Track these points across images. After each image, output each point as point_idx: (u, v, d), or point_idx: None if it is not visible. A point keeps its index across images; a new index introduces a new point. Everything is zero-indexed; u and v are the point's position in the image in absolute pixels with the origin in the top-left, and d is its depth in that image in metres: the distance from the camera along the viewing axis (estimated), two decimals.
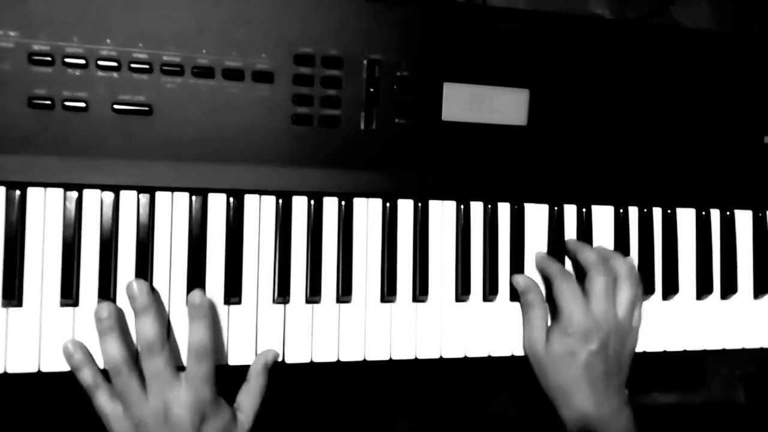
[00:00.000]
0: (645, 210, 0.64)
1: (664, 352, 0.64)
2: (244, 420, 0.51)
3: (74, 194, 0.51)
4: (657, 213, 0.65)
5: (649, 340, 0.63)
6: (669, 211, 0.65)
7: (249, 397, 0.52)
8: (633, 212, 0.64)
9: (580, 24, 0.61)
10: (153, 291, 0.52)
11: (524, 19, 0.59)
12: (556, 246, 0.62)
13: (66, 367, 0.50)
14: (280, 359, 0.55)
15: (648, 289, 0.63)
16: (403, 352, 0.58)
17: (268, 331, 0.55)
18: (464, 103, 0.58)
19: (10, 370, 0.50)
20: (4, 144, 0.49)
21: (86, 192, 0.52)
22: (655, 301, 0.64)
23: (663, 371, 0.83)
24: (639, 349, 0.63)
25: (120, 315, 0.51)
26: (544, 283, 0.61)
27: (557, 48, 0.60)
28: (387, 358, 0.57)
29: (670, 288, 0.64)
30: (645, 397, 0.81)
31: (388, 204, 0.58)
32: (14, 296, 0.50)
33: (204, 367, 0.50)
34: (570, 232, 0.62)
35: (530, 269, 0.61)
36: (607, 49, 0.61)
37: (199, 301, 0.50)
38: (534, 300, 0.59)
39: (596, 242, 0.63)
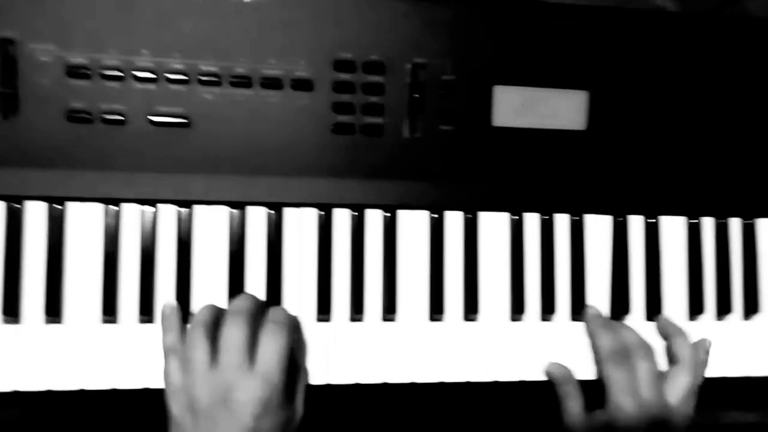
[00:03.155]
0: (721, 221, 0.59)
1: (746, 377, 0.58)
2: (298, 411, 0.50)
3: (114, 209, 0.51)
4: (735, 224, 0.59)
5: (729, 364, 0.58)
6: (748, 221, 0.59)
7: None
8: (707, 223, 0.59)
9: (642, 18, 0.56)
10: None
11: (580, 15, 0.55)
12: (620, 260, 0.57)
13: (108, 386, 0.50)
14: (324, 381, 0.52)
15: (725, 309, 0.58)
16: (454, 374, 0.54)
17: (311, 350, 0.53)
18: (516, 107, 0.54)
19: (53, 388, 0.49)
20: (43, 158, 0.49)
21: (126, 207, 0.51)
22: (734, 322, 0.59)
23: (742, 389, 0.77)
24: (718, 374, 0.58)
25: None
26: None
27: (617, 45, 0.55)
28: (437, 380, 0.54)
29: (751, 307, 0.59)
30: (724, 416, 0.76)
31: (434, 216, 0.55)
32: (56, 313, 0.50)
33: (279, 345, 0.47)
34: (635, 245, 0.58)
35: (591, 286, 0.57)
36: (673, 44, 0.56)
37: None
38: (570, 392, 0.54)
39: (665, 257, 0.58)
